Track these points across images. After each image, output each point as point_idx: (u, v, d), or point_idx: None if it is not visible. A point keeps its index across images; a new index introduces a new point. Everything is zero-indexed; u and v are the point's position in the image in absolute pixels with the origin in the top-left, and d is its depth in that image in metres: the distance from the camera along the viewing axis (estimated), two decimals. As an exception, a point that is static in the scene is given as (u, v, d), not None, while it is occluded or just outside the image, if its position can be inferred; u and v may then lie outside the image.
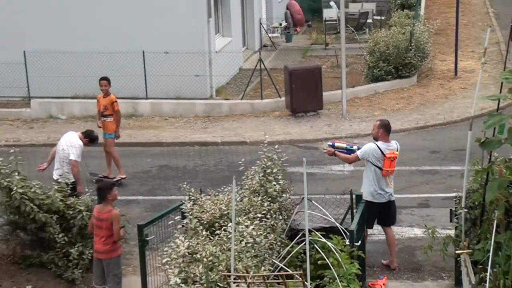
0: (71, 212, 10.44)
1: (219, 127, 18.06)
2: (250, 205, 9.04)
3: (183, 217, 8.98)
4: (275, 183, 9.39)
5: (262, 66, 19.33)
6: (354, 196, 9.94)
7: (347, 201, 10.47)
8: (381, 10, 27.98)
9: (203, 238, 8.19)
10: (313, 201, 9.41)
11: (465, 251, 8.43)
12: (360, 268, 8.64)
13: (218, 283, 7.56)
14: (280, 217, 9.24)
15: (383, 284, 9.94)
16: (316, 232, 8.85)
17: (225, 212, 8.78)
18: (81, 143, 11.97)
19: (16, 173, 10.16)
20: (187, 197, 9.21)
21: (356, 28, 26.29)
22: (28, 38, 19.22)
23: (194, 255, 7.87)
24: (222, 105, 19.26)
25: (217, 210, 8.80)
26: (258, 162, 9.70)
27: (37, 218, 10.03)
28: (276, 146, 9.95)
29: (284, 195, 9.53)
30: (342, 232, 9.00)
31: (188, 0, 19.16)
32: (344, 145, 10.64)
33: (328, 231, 9.13)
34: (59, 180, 11.03)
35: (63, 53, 18.98)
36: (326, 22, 26.88)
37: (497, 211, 7.91)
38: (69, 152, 11.77)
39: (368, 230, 10.31)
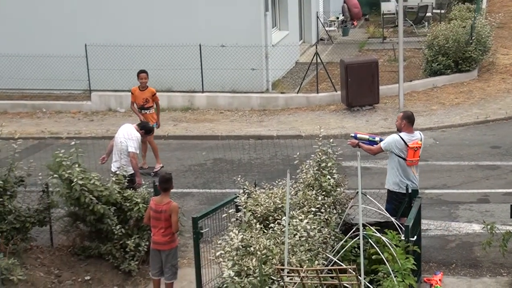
0: (128, 204, 10.61)
1: (274, 120, 18.07)
2: (304, 199, 9.02)
3: (237, 210, 9.01)
4: (329, 177, 9.35)
5: (319, 60, 19.25)
6: (409, 191, 9.82)
7: (402, 196, 10.37)
8: (441, 3, 27.50)
9: (257, 231, 8.20)
10: (367, 196, 9.35)
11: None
12: (415, 263, 8.55)
13: (272, 277, 7.57)
14: (334, 211, 9.20)
15: (439, 280, 9.80)
16: (371, 227, 8.78)
17: (279, 206, 8.78)
18: (138, 135, 12.13)
19: (77, 165, 10.37)
20: (241, 191, 9.23)
21: (414, 21, 25.94)
22: (89, 32, 19.59)
23: (248, 248, 7.90)
24: (278, 98, 19.25)
25: (271, 204, 8.80)
26: (313, 156, 9.67)
27: (95, 210, 10.23)
28: (331, 140, 9.92)
29: (338, 189, 9.48)
30: (397, 227, 8.91)
31: (245, -7, 19.23)
32: (366, 136, 10.61)
33: (383, 226, 9.06)
34: (117, 172, 11.19)
35: (122, 47, 19.29)
36: (384, 16, 26.59)
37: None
38: (127, 145, 11.93)
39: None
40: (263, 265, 7.63)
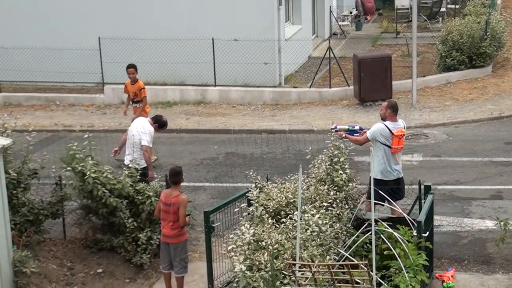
0: (140, 198, 10.63)
1: (287, 115, 18.05)
2: (316, 193, 9.01)
3: (249, 205, 9.01)
4: (341, 172, 9.34)
5: (331, 55, 19.19)
6: (422, 187, 9.79)
7: (415, 191, 10.35)
8: (455, -2, 27.37)
9: (269, 226, 8.20)
10: (380, 191, 9.30)
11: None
12: (427, 259, 8.53)
13: (283, 271, 7.57)
14: (346, 207, 9.19)
15: (451, 276, 9.77)
16: (383, 222, 8.77)
17: (291, 201, 8.77)
18: (151, 128, 12.13)
19: (90, 158, 10.40)
20: (253, 185, 9.23)
21: (428, 16, 25.81)
22: (102, 25, 19.62)
23: (260, 243, 7.90)
24: (291, 93, 19.22)
25: (283, 198, 8.80)
26: (325, 150, 9.67)
27: (108, 203, 10.25)
28: (344, 135, 9.88)
29: (350, 184, 9.47)
30: (410, 223, 8.89)
31: (258, -13, 19.19)
32: (346, 127, 10.84)
33: (395, 222, 9.06)
34: (130, 166, 11.20)
35: (135, 40, 19.31)
36: (398, 11, 26.48)
37: None
38: (140, 138, 11.94)
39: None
40: (274, 260, 7.63)
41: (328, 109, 18.34)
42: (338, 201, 9.03)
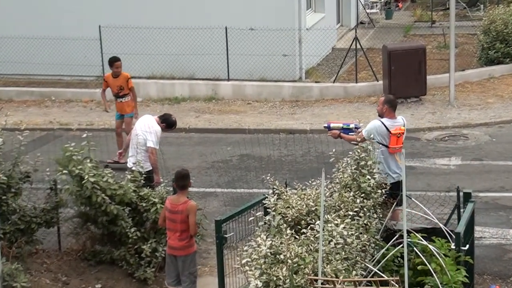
0: (144, 205, 10.64)
1: (308, 113, 18.03)
2: (341, 201, 8.98)
3: (266, 213, 8.99)
4: (369, 177, 9.29)
5: (358, 46, 19.17)
6: (461, 194, 9.73)
7: (452, 199, 10.28)
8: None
9: (288, 237, 8.17)
10: (412, 199, 9.27)
11: None
12: (467, 275, 8.47)
13: (304, 288, 7.55)
14: (375, 216, 9.15)
15: (494, 295, 9.71)
16: (416, 234, 8.74)
17: (313, 209, 8.75)
18: (158, 128, 12.08)
19: (88, 160, 10.41)
20: (270, 191, 9.21)
21: (468, 3, 25.72)
22: (103, 12, 19.69)
23: (277, 256, 7.88)
24: (312, 88, 19.20)
25: (304, 206, 8.78)
26: (350, 153, 9.62)
27: (108, 210, 10.26)
28: (372, 136, 9.86)
29: (379, 191, 9.42)
30: (447, 234, 8.85)
31: (276, -29, 19.18)
32: (340, 125, 10.94)
33: (430, 233, 9.02)
34: (133, 169, 11.20)
35: (139, 29, 19.38)
36: (434, -3, 26.41)
37: None
38: (145, 138, 11.91)
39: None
40: (294, 275, 7.61)
41: (354, 106, 18.32)
42: (365, 209, 8.99)
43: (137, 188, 10.69)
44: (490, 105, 17.75)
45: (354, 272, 7.95)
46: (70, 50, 19.97)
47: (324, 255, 7.82)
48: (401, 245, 7.90)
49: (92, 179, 10.16)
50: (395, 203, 9.56)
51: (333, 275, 7.62)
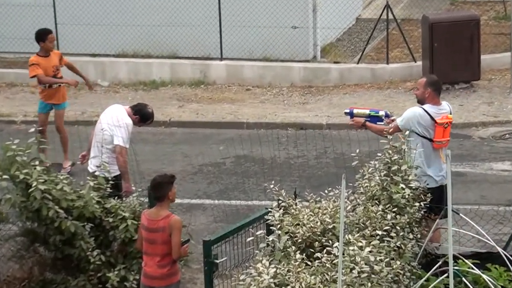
0: (111, 220, 10.62)
1: (324, 102, 18.09)
2: (366, 217, 9.01)
3: (269, 232, 9.00)
4: (403, 186, 9.32)
5: (390, 15, 19.17)
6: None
7: (514, 215, 10.34)
8: None
9: (297, 263, 8.20)
10: (461, 214, 9.25)
11: None
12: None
13: (318, 329, 7.58)
14: (411, 236, 9.19)
15: None
16: (465, 260, 8.77)
17: (330, 227, 8.77)
18: (130, 121, 12.06)
19: (37, 163, 10.41)
20: (275, 203, 9.23)
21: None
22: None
23: (284, 288, 7.90)
24: (330, 70, 19.26)
25: (318, 223, 8.80)
26: (379, 154, 9.65)
27: (63, 227, 10.24)
28: (407, 132, 9.86)
29: (416, 204, 9.44)
30: (506, 261, 8.89)
31: None
32: (367, 111, 10.97)
33: (484, 259, 9.08)
34: (96, 174, 11.22)
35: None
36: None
37: None
38: (112, 135, 11.93)
39: None
40: (305, 313, 7.62)
41: (384, 94, 18.37)
42: (398, 228, 9.02)
43: (101, 198, 10.69)
44: None
45: (383, 310, 7.99)
46: (14, 20, 19.99)
47: (345, 286, 7.83)
48: (446, 275, 7.91)
49: (42, 187, 10.14)
50: (437, 219, 9.57)
51: (356, 313, 7.65)
